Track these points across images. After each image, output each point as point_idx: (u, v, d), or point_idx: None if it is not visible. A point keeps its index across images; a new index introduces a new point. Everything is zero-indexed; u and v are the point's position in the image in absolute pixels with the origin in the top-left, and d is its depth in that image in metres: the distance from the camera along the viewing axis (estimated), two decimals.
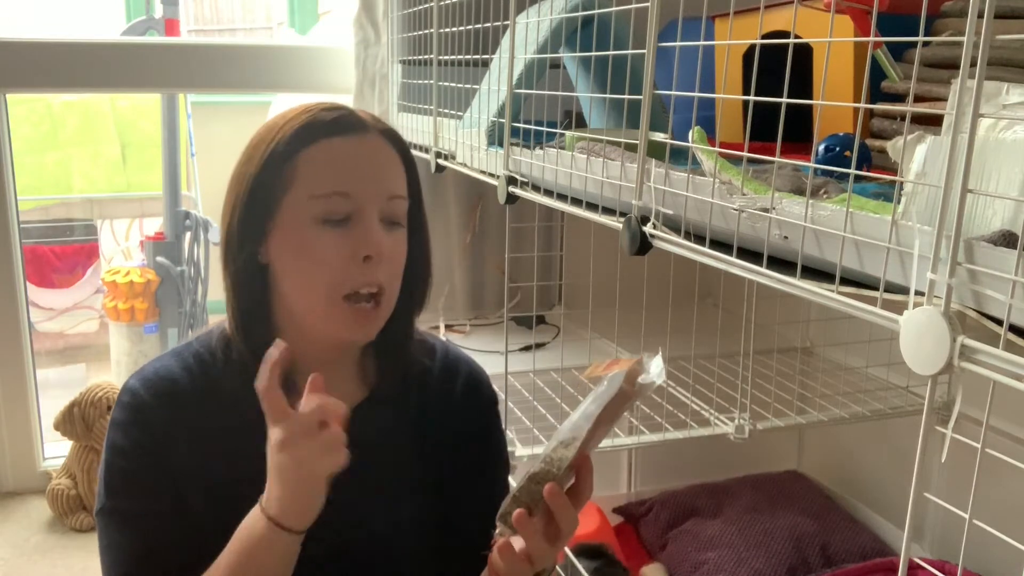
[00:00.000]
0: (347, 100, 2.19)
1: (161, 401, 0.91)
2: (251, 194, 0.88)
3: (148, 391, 0.91)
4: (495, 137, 1.35)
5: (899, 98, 0.97)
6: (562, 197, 1.12)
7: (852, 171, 0.66)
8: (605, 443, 1.51)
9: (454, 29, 1.51)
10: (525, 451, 1.47)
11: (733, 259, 0.78)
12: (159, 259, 3.35)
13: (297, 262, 0.87)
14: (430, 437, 0.99)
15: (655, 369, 0.82)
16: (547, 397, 1.61)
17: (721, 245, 0.81)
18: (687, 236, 0.86)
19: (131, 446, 0.90)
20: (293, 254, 0.87)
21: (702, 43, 0.83)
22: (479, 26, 1.42)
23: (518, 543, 0.83)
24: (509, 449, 1.43)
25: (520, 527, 0.81)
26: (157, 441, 0.90)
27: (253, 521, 0.82)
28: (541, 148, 1.17)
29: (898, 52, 0.97)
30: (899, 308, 0.60)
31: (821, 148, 0.89)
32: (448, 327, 2.12)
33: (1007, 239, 0.55)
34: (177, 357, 0.95)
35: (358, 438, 0.95)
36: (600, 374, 0.83)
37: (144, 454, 0.90)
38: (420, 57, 1.75)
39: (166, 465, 0.90)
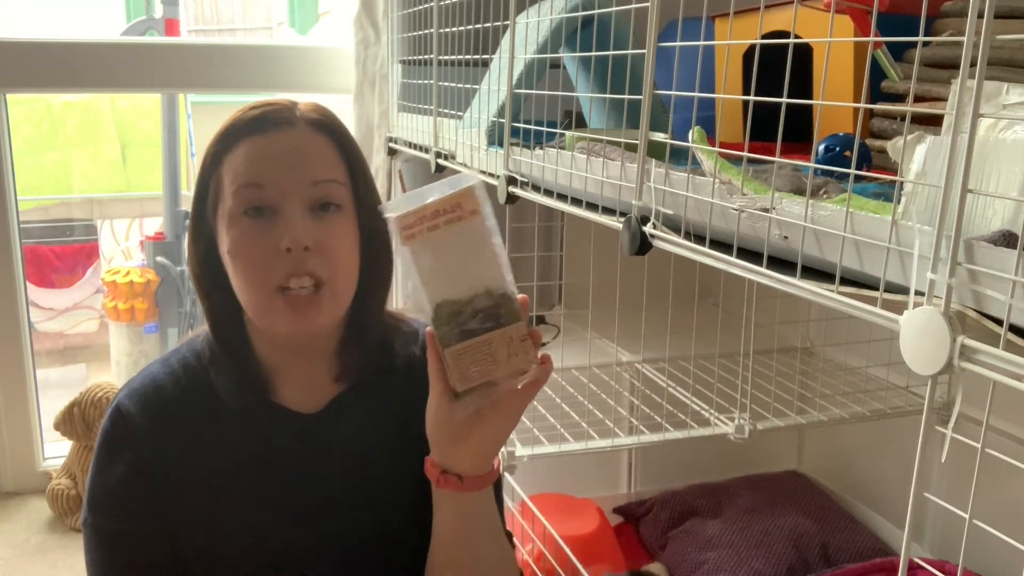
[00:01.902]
0: (347, 100, 2.19)
1: (149, 412, 0.92)
2: (196, 199, 0.92)
3: (136, 404, 0.92)
4: (495, 137, 1.35)
5: (899, 98, 0.97)
6: (562, 197, 1.12)
7: (852, 171, 0.66)
8: (605, 443, 1.52)
9: (454, 29, 1.51)
10: (525, 451, 1.47)
11: (733, 259, 0.78)
12: (159, 259, 3.35)
13: (231, 258, 0.88)
14: (414, 425, 0.98)
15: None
16: (547, 397, 1.61)
17: (721, 245, 0.81)
18: (687, 236, 0.86)
19: (116, 467, 0.91)
20: (228, 251, 0.88)
21: (702, 43, 0.83)
22: (479, 26, 1.42)
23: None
24: (508, 449, 1.43)
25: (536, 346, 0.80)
26: (143, 458, 0.91)
27: None
28: (541, 148, 1.17)
29: (898, 52, 0.97)
30: (899, 308, 0.60)
31: (821, 148, 0.89)
32: None
33: (1007, 239, 0.55)
34: (164, 364, 0.96)
35: (341, 426, 0.96)
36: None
37: (128, 475, 0.91)
38: (420, 57, 1.75)
39: (150, 482, 0.91)
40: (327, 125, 0.91)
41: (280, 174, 0.87)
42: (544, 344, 1.96)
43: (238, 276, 0.88)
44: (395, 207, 0.78)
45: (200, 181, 0.91)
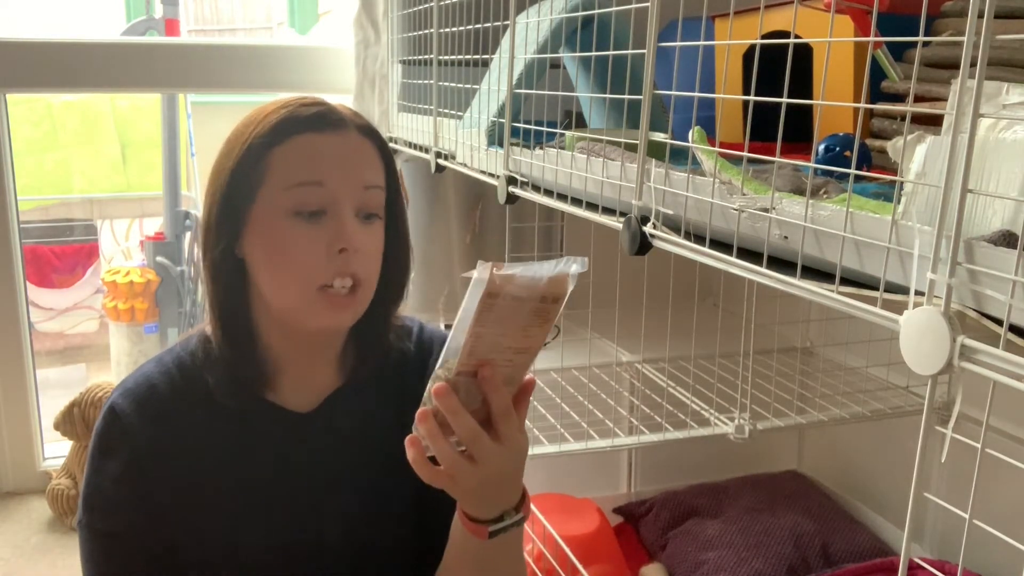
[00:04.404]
0: (347, 100, 2.19)
1: (142, 411, 0.91)
2: (227, 188, 0.88)
3: (130, 404, 0.92)
4: (495, 137, 1.35)
5: (899, 98, 0.97)
6: (562, 197, 1.12)
7: (852, 171, 0.66)
8: (605, 443, 1.52)
9: (454, 29, 1.51)
10: None
11: (733, 259, 0.78)
12: (159, 259, 3.36)
13: (270, 256, 0.87)
14: (410, 420, 0.98)
15: (553, 266, 0.76)
16: (547, 397, 1.61)
17: (721, 245, 0.81)
18: (687, 236, 0.86)
19: (111, 467, 0.91)
20: (267, 248, 0.87)
21: (702, 43, 0.83)
22: (479, 26, 1.42)
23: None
24: None
25: (422, 425, 0.76)
26: (138, 458, 0.90)
27: None
28: (541, 148, 1.17)
29: (898, 52, 0.97)
30: (899, 308, 0.60)
31: (821, 148, 0.89)
32: (448, 327, 2.12)
33: (1007, 239, 0.55)
34: (158, 363, 0.95)
35: (336, 425, 0.96)
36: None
37: (123, 475, 0.90)
38: (420, 57, 1.75)
39: (144, 482, 0.90)
40: (372, 131, 0.92)
41: (339, 174, 0.86)
42: (544, 344, 1.96)
43: (280, 272, 0.87)
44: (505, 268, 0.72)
45: (235, 172, 0.87)
